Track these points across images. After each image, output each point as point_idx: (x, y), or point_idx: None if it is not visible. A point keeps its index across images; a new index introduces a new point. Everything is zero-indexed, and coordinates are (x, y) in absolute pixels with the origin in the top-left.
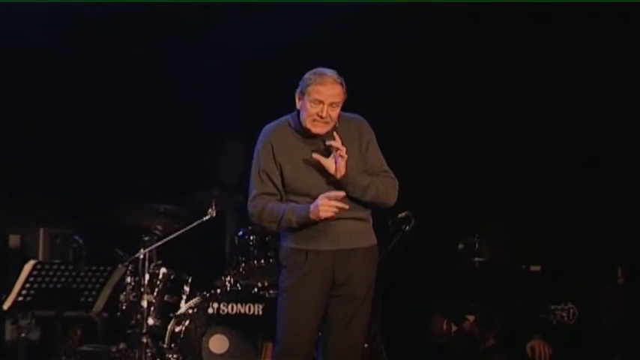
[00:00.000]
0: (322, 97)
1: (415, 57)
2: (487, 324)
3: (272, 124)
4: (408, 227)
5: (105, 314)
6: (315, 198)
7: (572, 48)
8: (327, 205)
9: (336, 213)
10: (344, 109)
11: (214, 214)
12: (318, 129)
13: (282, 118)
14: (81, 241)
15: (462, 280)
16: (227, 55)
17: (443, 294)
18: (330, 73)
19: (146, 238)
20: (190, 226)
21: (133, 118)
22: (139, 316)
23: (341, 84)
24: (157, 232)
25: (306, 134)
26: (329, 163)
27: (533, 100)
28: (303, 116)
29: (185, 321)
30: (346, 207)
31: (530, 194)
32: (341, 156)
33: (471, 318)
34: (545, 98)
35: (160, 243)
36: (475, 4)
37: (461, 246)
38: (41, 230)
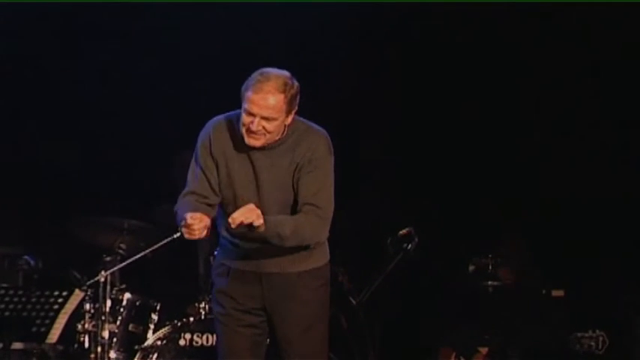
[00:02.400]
0: (254, 109)
1: (423, 62)
2: (502, 357)
3: (218, 117)
4: (410, 246)
5: (60, 347)
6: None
7: (573, 48)
8: (188, 228)
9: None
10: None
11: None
12: (252, 141)
13: (231, 112)
14: (32, 261)
15: (472, 307)
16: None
17: (451, 323)
18: (274, 78)
19: (108, 259)
20: (159, 244)
21: (92, 122)
22: (99, 349)
23: (284, 92)
24: (120, 251)
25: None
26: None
27: (553, 112)
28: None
29: (153, 354)
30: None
31: (551, 209)
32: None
33: (484, 350)
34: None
35: (123, 264)
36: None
37: (472, 267)
38: None
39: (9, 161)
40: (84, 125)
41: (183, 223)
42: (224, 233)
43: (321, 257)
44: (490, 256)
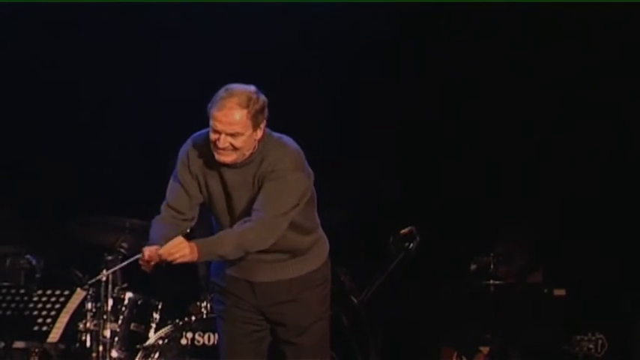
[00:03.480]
0: (218, 126)
1: (423, 62)
2: (503, 357)
3: (199, 132)
4: (412, 245)
5: (62, 345)
6: (222, 225)
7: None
8: (145, 263)
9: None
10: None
11: (188, 231)
12: (222, 157)
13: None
14: (34, 260)
15: (474, 306)
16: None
17: (453, 323)
18: (237, 94)
19: (109, 258)
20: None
21: (94, 121)
22: (100, 348)
23: (247, 107)
24: (121, 250)
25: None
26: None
27: (554, 112)
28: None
29: (154, 353)
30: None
31: (555, 206)
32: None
33: (485, 350)
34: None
35: (125, 263)
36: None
37: (473, 267)
38: None
39: (10, 160)
40: (85, 125)
41: (141, 255)
42: None
43: (315, 260)
44: (492, 255)
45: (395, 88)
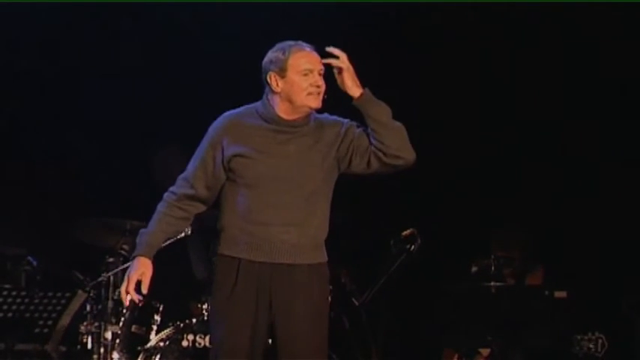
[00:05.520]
0: (312, 64)
1: (423, 62)
2: (503, 359)
3: (233, 110)
4: (413, 247)
5: (63, 348)
6: (261, 191)
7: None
8: (123, 293)
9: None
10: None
11: (189, 232)
12: (317, 102)
13: (245, 106)
14: (35, 262)
15: (475, 308)
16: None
17: (453, 324)
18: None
19: (110, 260)
20: (162, 245)
21: (95, 123)
22: (102, 350)
23: None
24: (122, 252)
25: (278, 122)
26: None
27: (555, 112)
28: (294, 95)
29: (155, 355)
30: None
31: (556, 209)
32: (340, 67)
33: (485, 352)
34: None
35: (126, 265)
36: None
37: (474, 268)
38: None
39: (11, 161)
40: (87, 126)
41: (123, 286)
42: (238, 222)
43: (324, 254)
44: (493, 256)
45: (394, 88)
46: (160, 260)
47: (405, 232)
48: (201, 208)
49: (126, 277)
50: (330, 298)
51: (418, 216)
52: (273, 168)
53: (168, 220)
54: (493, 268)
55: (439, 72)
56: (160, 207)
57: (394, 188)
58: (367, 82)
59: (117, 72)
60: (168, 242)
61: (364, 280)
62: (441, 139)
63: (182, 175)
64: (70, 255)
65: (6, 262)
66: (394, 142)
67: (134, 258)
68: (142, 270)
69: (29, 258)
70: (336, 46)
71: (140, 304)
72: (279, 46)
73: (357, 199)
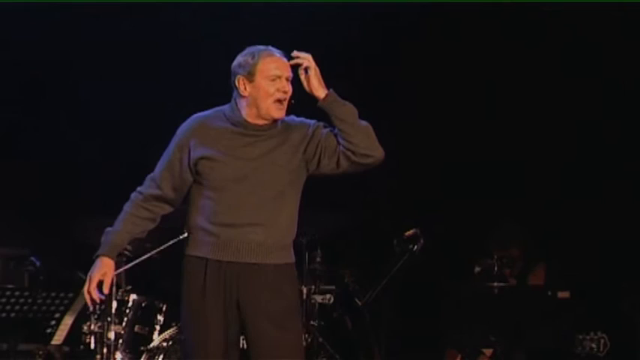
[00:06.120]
0: (280, 70)
1: (423, 62)
2: (506, 359)
3: (202, 112)
4: (416, 247)
5: (66, 348)
6: (227, 193)
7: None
8: (85, 293)
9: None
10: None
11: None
12: (281, 113)
13: (214, 109)
14: (38, 263)
15: (478, 308)
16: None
17: (456, 325)
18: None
19: None
20: (165, 245)
21: (97, 123)
22: (105, 350)
23: None
24: (125, 252)
25: (245, 125)
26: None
27: (555, 112)
28: (260, 100)
29: (159, 356)
30: None
31: (560, 209)
32: (307, 66)
33: (488, 352)
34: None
35: (129, 265)
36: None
37: (477, 269)
38: None
39: (13, 162)
40: (86, 126)
41: (86, 287)
42: (204, 224)
43: (292, 255)
44: (496, 257)
45: (395, 88)
46: (163, 261)
47: (408, 233)
48: (168, 209)
49: (88, 277)
50: (332, 299)
51: (421, 216)
52: (238, 170)
53: (134, 220)
54: (496, 268)
55: (439, 72)
56: (127, 207)
57: (397, 189)
58: (367, 81)
59: (117, 72)
60: (169, 243)
61: (367, 280)
62: (443, 140)
63: (150, 175)
64: (72, 255)
65: (9, 263)
66: (362, 142)
67: (97, 257)
68: (104, 270)
69: (32, 258)
70: (336, 46)
71: (101, 304)
72: (249, 50)
73: (359, 200)
